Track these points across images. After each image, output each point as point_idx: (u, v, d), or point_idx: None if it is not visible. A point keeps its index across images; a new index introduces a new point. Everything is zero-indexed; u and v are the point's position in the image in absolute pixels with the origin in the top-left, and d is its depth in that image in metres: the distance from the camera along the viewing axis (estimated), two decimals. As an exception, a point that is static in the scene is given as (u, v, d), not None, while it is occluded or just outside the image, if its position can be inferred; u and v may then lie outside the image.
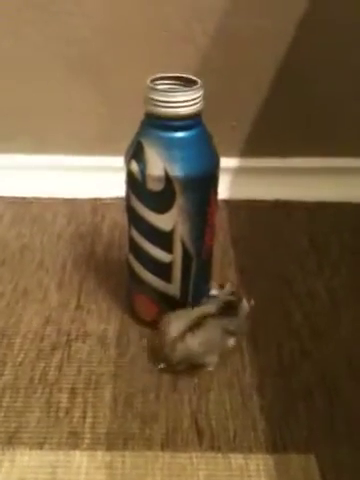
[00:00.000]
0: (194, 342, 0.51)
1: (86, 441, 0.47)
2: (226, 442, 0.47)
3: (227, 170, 0.83)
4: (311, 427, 0.49)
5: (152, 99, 0.47)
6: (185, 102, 0.47)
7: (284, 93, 0.79)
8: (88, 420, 0.49)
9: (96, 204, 0.81)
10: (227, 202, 0.82)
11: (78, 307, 0.61)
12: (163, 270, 0.54)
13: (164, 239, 0.52)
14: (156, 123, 0.48)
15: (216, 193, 0.53)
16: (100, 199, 0.82)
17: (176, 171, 0.48)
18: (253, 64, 0.77)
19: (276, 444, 0.47)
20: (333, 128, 0.82)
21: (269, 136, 0.82)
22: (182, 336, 0.51)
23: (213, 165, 0.51)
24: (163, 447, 0.47)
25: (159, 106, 0.47)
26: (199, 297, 0.56)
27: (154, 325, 0.57)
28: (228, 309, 0.53)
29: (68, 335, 0.57)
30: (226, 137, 0.81)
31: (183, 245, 0.52)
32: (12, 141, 0.82)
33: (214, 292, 0.56)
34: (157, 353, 0.53)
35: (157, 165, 0.48)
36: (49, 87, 0.78)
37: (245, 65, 0.77)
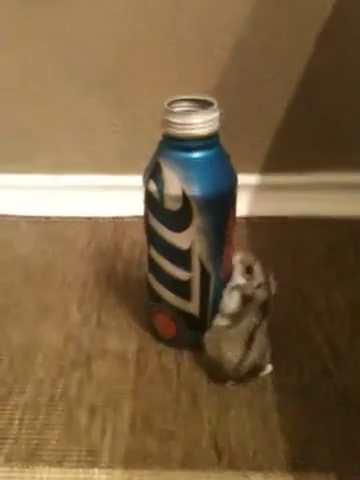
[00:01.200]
0: (253, 358, 0.52)
1: (104, 459, 0.47)
2: (245, 461, 0.47)
3: (247, 187, 0.83)
4: (332, 446, 0.48)
5: (169, 121, 0.48)
6: (201, 123, 0.48)
7: (303, 108, 0.79)
8: (107, 438, 0.49)
9: (117, 223, 0.83)
10: (247, 219, 0.83)
11: (98, 325, 0.62)
12: (182, 288, 0.54)
13: (182, 257, 0.52)
14: (173, 144, 0.49)
15: (234, 211, 0.54)
16: (121, 218, 0.84)
17: (193, 191, 0.49)
18: (271, 78, 0.77)
19: (297, 463, 0.47)
20: (351, 141, 0.81)
21: (288, 151, 0.82)
22: (243, 357, 0.52)
23: (230, 184, 0.51)
24: (181, 466, 0.46)
25: (176, 128, 0.48)
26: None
27: (173, 343, 0.57)
28: (264, 309, 0.54)
29: (88, 353, 0.58)
30: (245, 153, 0.82)
31: (201, 263, 0.52)
32: (33, 161, 0.83)
33: (241, 280, 0.55)
34: (219, 374, 0.53)
35: (174, 185, 0.49)
36: (67, 106, 0.80)
37: (262, 79, 0.77)
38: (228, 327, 0.54)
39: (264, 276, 0.56)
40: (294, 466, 0.46)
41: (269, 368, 0.55)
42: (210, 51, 0.76)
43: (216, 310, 0.55)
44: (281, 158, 0.83)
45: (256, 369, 0.53)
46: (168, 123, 0.48)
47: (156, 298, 0.57)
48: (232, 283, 0.56)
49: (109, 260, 0.74)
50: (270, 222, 0.82)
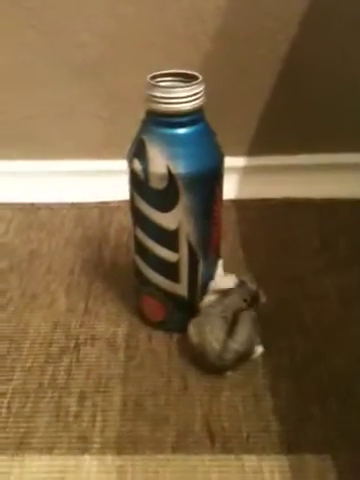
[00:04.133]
0: (238, 344, 0.50)
1: (96, 445, 0.46)
2: (239, 444, 0.46)
3: (234, 169, 0.82)
4: (326, 428, 0.47)
5: (152, 96, 0.46)
6: (186, 98, 0.46)
7: (289, 90, 0.78)
8: (98, 424, 0.48)
9: (103, 208, 0.81)
10: (235, 202, 0.82)
11: (86, 311, 0.61)
12: (170, 270, 0.53)
13: (169, 238, 0.51)
14: (157, 120, 0.47)
15: (221, 191, 0.52)
16: (107, 203, 0.82)
17: (179, 168, 0.47)
18: (255, 63, 0.76)
19: (290, 445, 0.46)
20: (339, 123, 0.80)
21: (275, 133, 0.81)
22: (226, 345, 0.50)
23: (217, 162, 0.50)
24: (174, 450, 0.45)
25: (160, 103, 0.46)
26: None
27: (162, 326, 0.56)
28: (252, 301, 0.53)
29: (77, 339, 0.57)
30: (232, 136, 0.80)
31: (189, 244, 0.51)
32: (17, 147, 0.82)
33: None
34: (204, 365, 0.52)
35: (160, 163, 0.47)
36: (51, 92, 0.78)
37: (247, 64, 0.76)
38: (215, 303, 0.52)
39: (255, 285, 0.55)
40: (288, 448, 0.46)
41: (260, 349, 0.54)
42: (196, 39, 0.75)
43: (205, 292, 0.55)
44: (268, 140, 0.82)
45: (245, 355, 0.52)
46: (151, 98, 0.46)
47: (144, 281, 0.55)
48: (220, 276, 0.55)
49: (96, 246, 0.73)
50: (258, 205, 0.81)
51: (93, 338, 0.57)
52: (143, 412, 0.49)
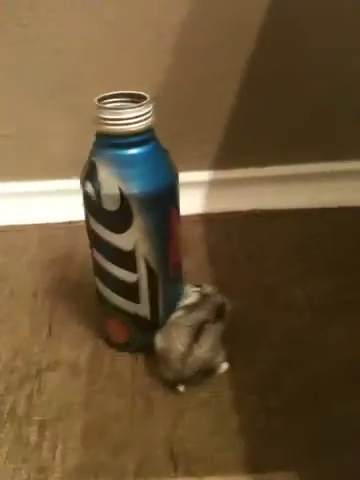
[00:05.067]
0: (203, 351, 0.50)
1: (56, 475, 0.45)
2: (203, 466, 0.45)
3: (200, 183, 0.82)
4: (292, 444, 0.47)
5: (101, 118, 0.46)
6: (134, 118, 0.46)
7: (251, 102, 0.78)
8: (58, 453, 0.47)
9: (70, 228, 0.80)
10: (202, 216, 0.81)
11: (50, 335, 0.60)
12: (129, 290, 0.52)
13: (126, 259, 0.50)
14: (107, 142, 0.47)
15: (177, 208, 0.52)
16: (74, 222, 0.81)
17: (131, 189, 0.47)
18: (217, 77, 0.77)
19: (256, 464, 0.45)
20: (303, 133, 0.81)
21: (240, 146, 0.81)
22: (190, 349, 0.50)
23: (170, 180, 0.50)
24: (136, 476, 0.44)
25: (108, 124, 0.46)
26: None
27: (126, 347, 0.56)
28: (219, 312, 0.53)
29: (38, 365, 0.56)
30: (196, 150, 0.80)
31: (147, 264, 0.51)
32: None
33: (194, 289, 0.56)
34: (166, 371, 0.51)
35: (111, 184, 0.47)
36: (16, 112, 0.78)
37: (208, 78, 0.77)
38: (182, 316, 0.53)
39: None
40: (254, 467, 0.45)
41: (225, 366, 0.54)
42: (158, 54, 0.75)
43: (168, 311, 0.54)
44: (233, 153, 0.82)
45: (208, 370, 0.52)
46: (100, 120, 0.46)
47: (105, 302, 0.55)
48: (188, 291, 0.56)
49: (61, 267, 0.72)
50: (225, 218, 0.81)
51: (56, 363, 0.56)
52: (105, 438, 0.48)
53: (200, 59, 0.76)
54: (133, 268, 0.51)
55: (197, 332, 0.51)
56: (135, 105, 0.46)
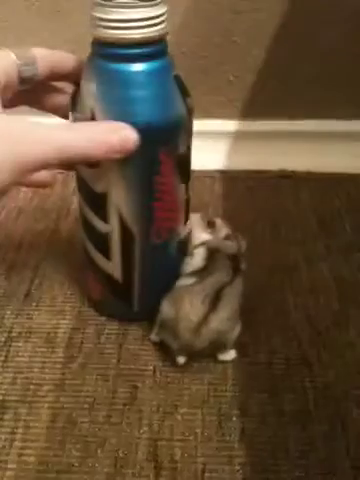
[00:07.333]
0: (220, 321, 0.42)
1: (8, 474, 0.36)
2: (190, 477, 0.36)
3: (223, 134, 0.71)
4: (306, 463, 0.37)
5: (96, 18, 0.35)
6: (141, 21, 0.34)
7: (290, 45, 0.66)
8: (16, 445, 0.38)
9: (68, 175, 0.70)
10: (223, 173, 0.70)
11: (27, 297, 0.50)
12: (101, 242, 0.43)
13: (97, 202, 0.40)
14: (102, 52, 0.36)
15: (173, 159, 0.39)
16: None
17: (106, 114, 0.36)
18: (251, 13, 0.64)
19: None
20: (346, 86, 0.68)
21: (274, 94, 0.69)
22: (205, 319, 0.41)
23: (170, 115, 0.37)
24: (107, 482, 0.36)
25: (104, 27, 0.34)
26: (151, 291, 0.44)
27: (100, 307, 0.48)
28: (235, 265, 0.44)
29: (9, 332, 0.47)
30: (221, 94, 0.68)
31: (120, 216, 0.40)
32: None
33: (204, 236, 0.47)
34: (171, 340, 0.43)
35: (86, 103, 0.37)
36: None
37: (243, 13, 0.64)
38: (195, 284, 0.43)
39: (230, 229, 0.47)
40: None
41: (232, 354, 0.44)
42: None
43: (146, 284, 0.45)
44: (267, 101, 0.69)
45: (220, 344, 0.43)
46: (95, 22, 0.35)
47: (85, 253, 0.46)
48: (195, 242, 0.46)
49: (53, 218, 0.62)
50: (248, 177, 0.70)
51: (29, 332, 0.47)
52: (75, 431, 0.39)
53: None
54: (104, 216, 0.41)
55: (215, 299, 0.42)
56: (143, 4, 0.34)
